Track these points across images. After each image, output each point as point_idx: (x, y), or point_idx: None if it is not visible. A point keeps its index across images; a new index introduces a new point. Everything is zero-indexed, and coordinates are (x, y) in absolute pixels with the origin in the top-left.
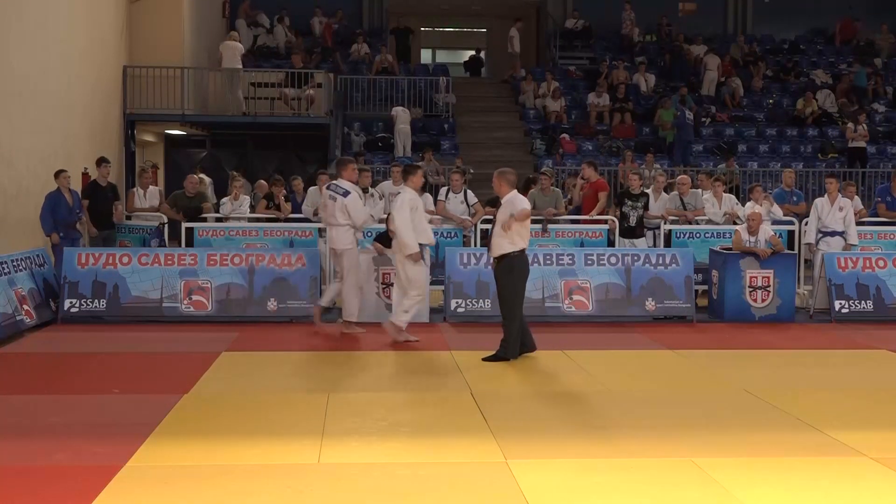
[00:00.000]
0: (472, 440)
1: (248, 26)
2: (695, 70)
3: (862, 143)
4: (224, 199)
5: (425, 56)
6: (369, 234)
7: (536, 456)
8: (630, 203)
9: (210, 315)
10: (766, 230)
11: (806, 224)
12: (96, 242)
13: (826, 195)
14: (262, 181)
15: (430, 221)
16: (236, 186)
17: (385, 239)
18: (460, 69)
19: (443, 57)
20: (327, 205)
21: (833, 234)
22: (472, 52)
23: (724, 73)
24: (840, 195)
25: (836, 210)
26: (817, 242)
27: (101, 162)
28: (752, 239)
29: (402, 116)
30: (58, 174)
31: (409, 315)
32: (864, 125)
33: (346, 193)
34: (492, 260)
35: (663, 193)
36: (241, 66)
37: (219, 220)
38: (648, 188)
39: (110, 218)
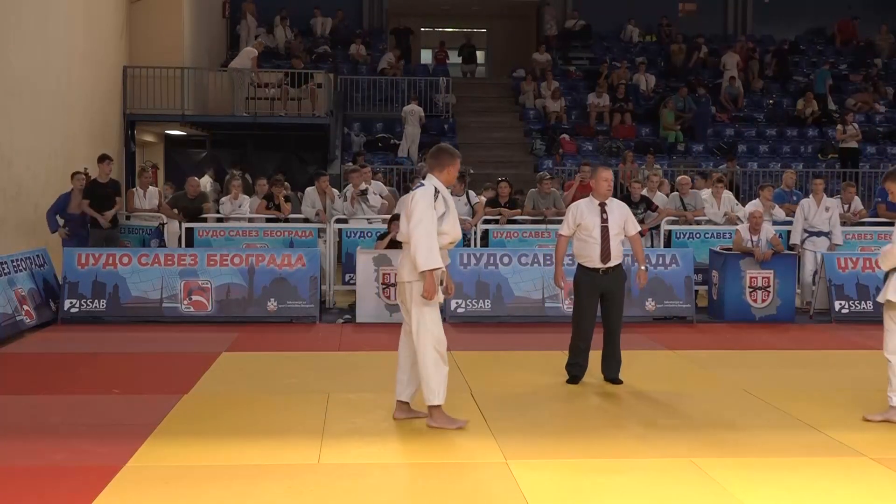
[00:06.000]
0: (472, 440)
1: (248, 27)
2: (695, 70)
3: (853, 144)
4: (223, 199)
5: (425, 56)
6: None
7: (536, 456)
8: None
9: (210, 315)
10: (768, 230)
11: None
12: (98, 243)
13: (811, 195)
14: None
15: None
16: (235, 186)
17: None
18: (459, 69)
19: None
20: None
21: (819, 234)
22: (466, 42)
23: (740, 73)
24: (825, 196)
25: (822, 210)
26: (803, 242)
27: (103, 158)
28: (755, 238)
29: (410, 118)
30: (72, 175)
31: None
32: (855, 125)
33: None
34: (602, 269)
35: (659, 193)
36: (247, 68)
37: (219, 220)
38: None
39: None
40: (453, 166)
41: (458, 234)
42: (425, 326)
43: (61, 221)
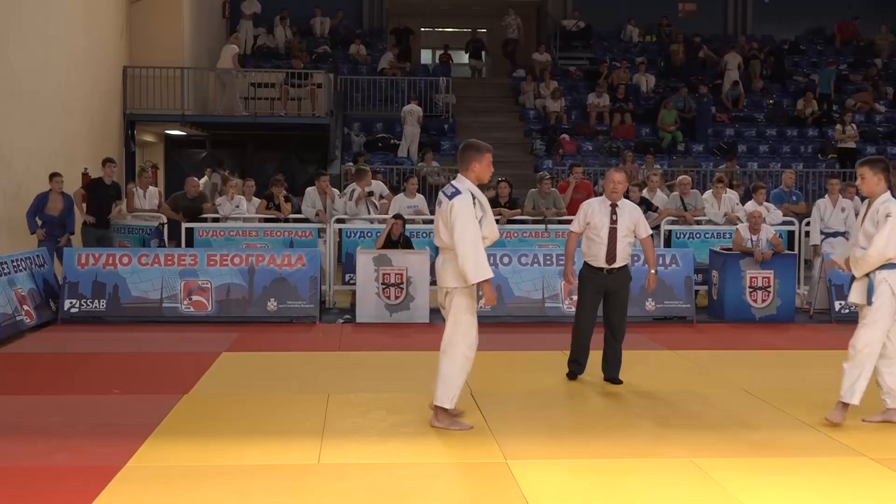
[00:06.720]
0: (472, 440)
1: (253, 26)
2: (700, 70)
3: (851, 144)
4: (220, 200)
5: (425, 56)
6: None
7: (536, 456)
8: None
9: (210, 315)
10: (768, 230)
11: (808, 225)
12: (90, 243)
13: (827, 196)
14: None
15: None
16: (231, 186)
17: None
18: (460, 69)
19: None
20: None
21: (836, 234)
22: (472, 37)
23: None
24: (840, 196)
25: (838, 211)
26: (821, 244)
27: (106, 162)
28: (754, 238)
29: (409, 118)
30: (51, 177)
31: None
32: (852, 126)
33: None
34: (607, 269)
35: (659, 193)
36: (232, 67)
37: (215, 220)
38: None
39: (108, 217)
40: (479, 161)
41: (496, 234)
42: (462, 330)
43: (39, 223)
